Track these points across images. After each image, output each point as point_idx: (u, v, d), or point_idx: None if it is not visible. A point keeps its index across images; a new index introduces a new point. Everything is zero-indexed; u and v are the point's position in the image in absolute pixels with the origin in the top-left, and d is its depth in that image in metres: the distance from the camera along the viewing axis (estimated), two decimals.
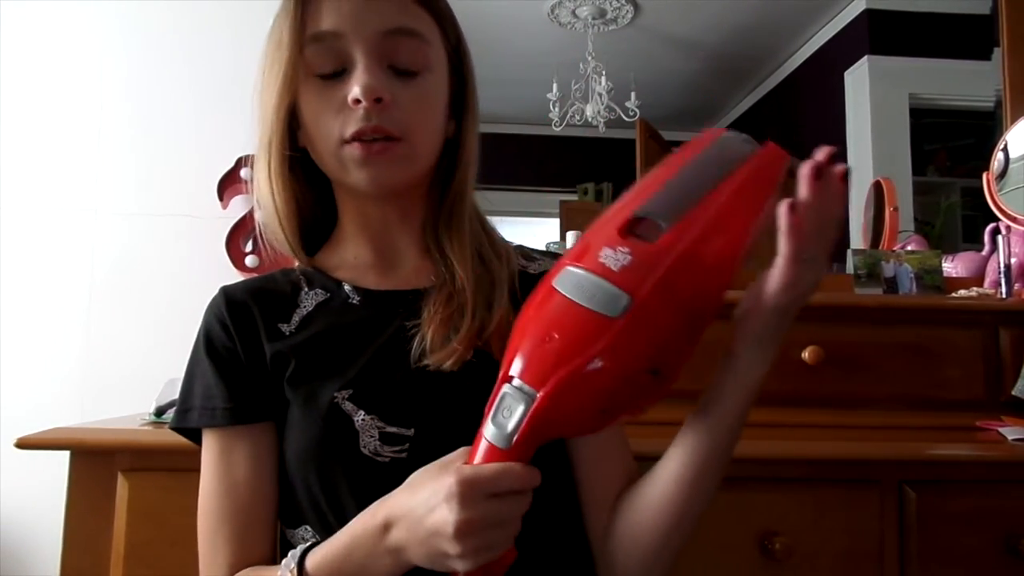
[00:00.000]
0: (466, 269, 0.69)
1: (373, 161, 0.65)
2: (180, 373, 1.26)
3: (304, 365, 0.67)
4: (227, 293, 0.72)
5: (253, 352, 0.68)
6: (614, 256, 0.51)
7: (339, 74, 0.65)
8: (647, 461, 0.72)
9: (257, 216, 0.72)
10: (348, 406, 0.64)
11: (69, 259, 1.65)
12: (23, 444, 0.97)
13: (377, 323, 0.69)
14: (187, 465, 1.01)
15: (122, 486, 1.00)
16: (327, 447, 0.64)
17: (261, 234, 0.74)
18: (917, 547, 1.02)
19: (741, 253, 0.52)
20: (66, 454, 1.01)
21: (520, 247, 0.80)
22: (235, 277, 1.61)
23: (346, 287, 0.72)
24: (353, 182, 0.67)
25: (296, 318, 0.70)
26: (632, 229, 0.52)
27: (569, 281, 0.52)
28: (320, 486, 0.64)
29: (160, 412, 1.15)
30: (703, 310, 0.52)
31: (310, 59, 0.65)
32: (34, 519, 1.56)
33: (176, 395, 1.15)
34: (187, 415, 0.70)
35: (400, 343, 0.67)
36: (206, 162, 1.64)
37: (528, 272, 0.75)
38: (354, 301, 0.71)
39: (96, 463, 1.00)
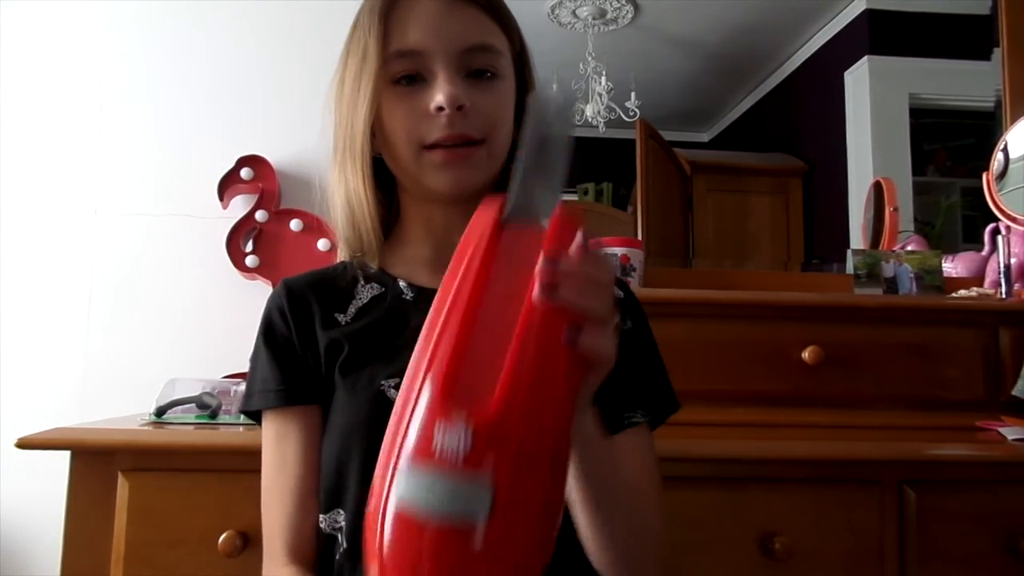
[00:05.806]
0: None
1: (454, 165, 0.69)
2: (180, 373, 1.28)
3: (356, 352, 0.71)
4: (288, 284, 0.77)
5: (308, 340, 0.73)
6: (451, 437, 0.42)
7: (419, 83, 0.69)
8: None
9: (337, 216, 0.75)
10: (393, 393, 0.67)
11: (69, 259, 1.65)
12: (23, 444, 0.97)
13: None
14: (187, 465, 1.01)
15: (122, 486, 1.00)
16: (371, 428, 0.66)
17: (334, 232, 0.77)
18: (917, 547, 1.03)
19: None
20: (66, 454, 1.01)
21: None
22: (235, 277, 1.62)
23: (401, 283, 0.76)
24: (431, 186, 0.71)
25: (352, 309, 0.75)
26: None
27: (412, 491, 0.43)
28: (361, 468, 0.66)
29: (160, 412, 1.15)
30: (563, 448, 0.46)
31: (392, 70, 0.69)
32: (34, 519, 1.56)
33: (176, 395, 1.18)
34: (250, 399, 0.75)
35: None
36: (206, 162, 1.64)
37: None
38: (407, 296, 0.75)
39: (96, 463, 1.00)
